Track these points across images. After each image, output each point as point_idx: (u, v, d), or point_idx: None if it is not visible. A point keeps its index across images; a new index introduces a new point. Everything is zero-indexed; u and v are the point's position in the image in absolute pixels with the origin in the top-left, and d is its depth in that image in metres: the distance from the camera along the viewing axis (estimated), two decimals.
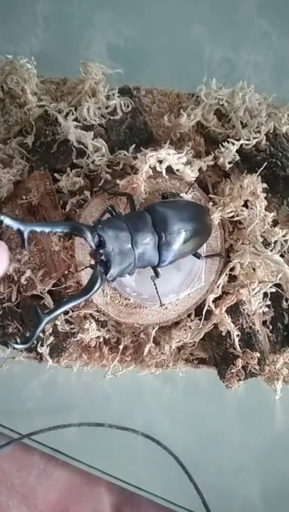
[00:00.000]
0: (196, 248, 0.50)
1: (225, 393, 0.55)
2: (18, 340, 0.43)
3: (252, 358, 0.52)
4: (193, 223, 0.48)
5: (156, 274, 0.49)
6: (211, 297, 0.52)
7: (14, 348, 0.50)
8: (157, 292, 0.50)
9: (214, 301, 0.53)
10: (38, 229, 0.41)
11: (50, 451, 0.65)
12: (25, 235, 0.40)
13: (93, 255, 0.44)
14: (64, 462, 0.66)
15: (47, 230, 0.41)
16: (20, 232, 0.40)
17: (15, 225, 0.39)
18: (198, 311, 0.54)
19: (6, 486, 0.68)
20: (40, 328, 0.42)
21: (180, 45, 0.60)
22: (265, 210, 0.52)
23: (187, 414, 0.61)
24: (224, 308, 0.52)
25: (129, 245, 0.44)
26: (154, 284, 0.50)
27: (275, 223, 0.54)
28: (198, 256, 0.50)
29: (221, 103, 0.55)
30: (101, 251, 0.43)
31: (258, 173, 0.51)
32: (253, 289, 0.53)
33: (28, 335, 0.42)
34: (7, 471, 0.68)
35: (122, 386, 0.59)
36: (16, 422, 0.63)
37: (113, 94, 0.54)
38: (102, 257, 0.43)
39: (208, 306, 0.52)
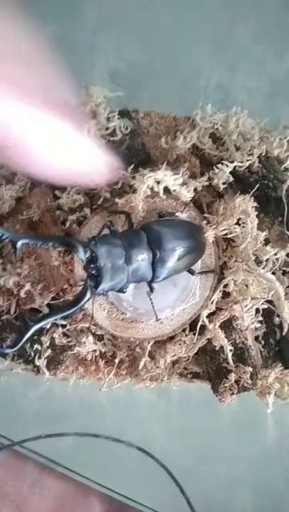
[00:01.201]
0: (190, 265, 0.50)
1: (218, 407, 0.55)
2: (4, 345, 0.44)
3: (244, 372, 0.53)
4: (188, 241, 0.48)
5: (151, 289, 0.49)
6: (205, 313, 0.52)
7: (1, 353, 0.50)
8: (153, 307, 0.51)
9: (208, 316, 0.53)
10: (31, 241, 0.43)
11: (44, 461, 0.64)
12: (18, 246, 0.42)
13: (85, 269, 0.45)
14: (57, 472, 0.65)
15: (39, 242, 0.44)
16: (13, 244, 0.42)
17: (6, 234, 0.41)
18: (193, 326, 0.54)
19: None
20: (28, 335, 0.43)
21: (178, 71, 0.61)
22: (258, 229, 0.52)
23: (181, 428, 0.60)
24: (218, 324, 0.53)
25: (122, 261, 0.45)
26: (150, 299, 0.50)
27: (266, 242, 0.55)
28: (192, 272, 0.51)
29: (215, 127, 0.56)
30: (92, 265, 0.44)
31: (250, 194, 0.52)
32: (246, 305, 0.53)
33: (14, 340, 0.43)
34: (0, 480, 0.67)
35: (118, 399, 0.58)
36: (10, 431, 0.62)
37: (113, 116, 0.55)
38: (93, 272, 0.44)
39: (203, 321, 0.52)
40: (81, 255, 0.44)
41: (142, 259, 0.46)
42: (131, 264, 0.45)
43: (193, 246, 0.49)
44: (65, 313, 0.44)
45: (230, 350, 0.53)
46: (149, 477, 0.62)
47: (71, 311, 0.44)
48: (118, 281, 0.45)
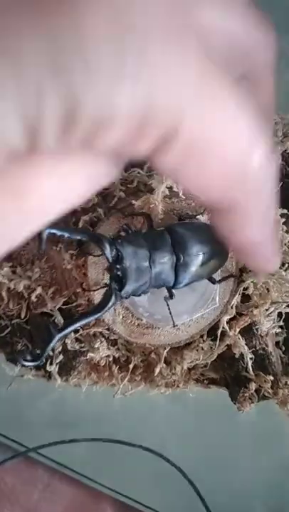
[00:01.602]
0: (212, 272, 0.47)
1: (236, 414, 0.52)
2: (28, 357, 0.40)
3: (265, 381, 0.50)
4: (212, 246, 0.45)
5: (171, 296, 0.46)
6: (226, 318, 0.50)
7: (23, 366, 0.47)
8: (170, 313, 0.48)
9: (228, 322, 0.50)
10: (58, 232, 0.39)
11: (56, 466, 0.63)
12: (44, 236, 0.38)
13: (109, 270, 0.42)
14: (69, 477, 0.64)
15: (66, 234, 0.40)
16: (39, 233, 0.38)
17: None
18: (211, 331, 0.52)
19: (9, 500, 0.65)
20: (52, 345, 0.40)
21: None
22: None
23: (197, 435, 0.58)
24: (238, 330, 0.50)
25: (147, 263, 0.42)
26: (168, 305, 0.47)
27: None
28: (213, 281, 0.48)
29: None
30: (118, 266, 0.41)
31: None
32: (267, 310, 0.51)
33: (38, 351, 0.40)
34: (11, 485, 0.66)
35: (132, 405, 0.56)
36: (22, 438, 0.60)
37: None
38: (118, 273, 0.41)
39: (223, 327, 0.49)
40: (107, 253, 0.40)
41: (165, 262, 0.43)
42: (154, 267, 0.42)
43: (217, 252, 0.46)
44: (89, 319, 0.41)
45: (251, 359, 0.50)
46: (164, 484, 0.60)
47: (96, 316, 0.41)
48: (141, 283, 0.42)
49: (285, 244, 0.50)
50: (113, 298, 0.40)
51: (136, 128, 0.11)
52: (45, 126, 0.10)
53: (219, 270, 0.49)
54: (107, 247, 0.40)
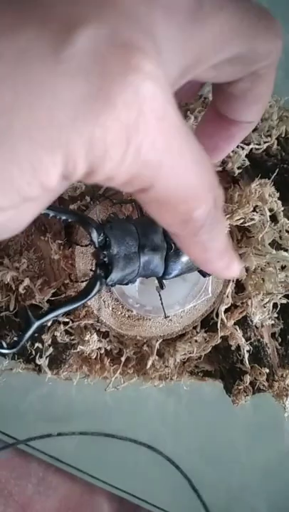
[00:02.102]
0: None
1: (231, 407, 0.50)
2: (4, 345, 0.38)
3: (260, 373, 0.48)
4: None
5: (161, 286, 0.44)
6: (223, 308, 0.48)
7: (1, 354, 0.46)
8: (162, 303, 0.46)
9: (225, 312, 0.48)
10: (43, 210, 0.37)
11: (50, 460, 0.61)
12: None
13: (95, 255, 0.40)
14: (63, 471, 0.63)
15: (51, 214, 0.37)
16: None
17: None
18: (204, 323, 0.50)
19: (2, 494, 0.64)
20: (30, 332, 0.38)
21: None
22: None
23: (191, 428, 0.57)
24: (232, 322, 0.48)
25: (136, 251, 0.40)
26: (159, 295, 0.45)
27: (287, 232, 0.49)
28: (204, 274, 0.46)
29: None
30: (105, 252, 0.39)
31: (270, 180, 0.47)
32: (262, 300, 0.49)
33: (15, 338, 0.38)
34: (4, 479, 0.64)
35: (124, 399, 0.55)
36: (14, 431, 0.59)
37: None
38: (105, 259, 0.39)
39: (221, 318, 0.47)
40: (94, 237, 0.38)
41: (155, 251, 0.40)
42: (143, 256, 0.40)
43: None
44: (73, 306, 0.39)
45: (248, 351, 0.48)
46: (158, 477, 0.59)
47: (79, 303, 0.39)
48: (128, 272, 0.40)
49: (287, 231, 0.48)
50: (98, 285, 0.38)
51: (126, 182, 0.18)
52: (73, 177, 0.17)
53: None
54: (95, 231, 0.38)
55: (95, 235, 0.38)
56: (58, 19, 0.15)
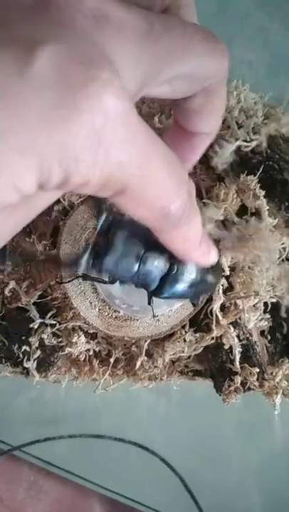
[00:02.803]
0: (197, 295, 0.43)
1: (222, 405, 0.50)
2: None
3: (251, 373, 0.47)
4: (207, 270, 0.42)
5: (149, 302, 0.42)
6: (216, 306, 0.47)
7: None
8: (151, 303, 0.44)
9: (211, 312, 0.47)
10: None
11: (41, 464, 0.60)
12: None
13: (96, 235, 0.37)
14: (55, 474, 0.62)
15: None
16: None
17: None
18: (193, 322, 0.49)
19: None
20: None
21: None
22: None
23: (183, 428, 0.56)
24: (226, 322, 0.47)
25: (138, 255, 0.37)
26: (149, 296, 0.44)
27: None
28: (194, 304, 0.44)
29: None
30: (107, 235, 0.36)
31: (256, 177, 0.46)
32: (254, 305, 0.48)
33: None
34: None
35: (114, 400, 0.54)
36: (2, 435, 0.58)
37: None
38: (102, 242, 0.36)
39: (216, 315, 0.46)
40: (100, 220, 0.36)
41: (156, 266, 0.38)
42: (144, 265, 0.37)
43: (208, 278, 0.42)
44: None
45: (239, 352, 0.47)
46: (150, 477, 0.58)
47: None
48: (122, 270, 0.37)
49: (270, 230, 0.47)
50: (84, 262, 0.36)
51: (102, 185, 0.19)
52: (50, 184, 0.18)
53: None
54: (104, 216, 0.36)
55: (102, 218, 0.36)
56: (19, 40, 0.17)
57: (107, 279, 0.40)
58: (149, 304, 0.41)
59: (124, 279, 0.39)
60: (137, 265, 0.37)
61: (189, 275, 0.39)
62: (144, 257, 0.37)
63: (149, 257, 0.38)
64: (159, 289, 0.39)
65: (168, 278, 0.39)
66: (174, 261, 0.38)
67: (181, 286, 0.39)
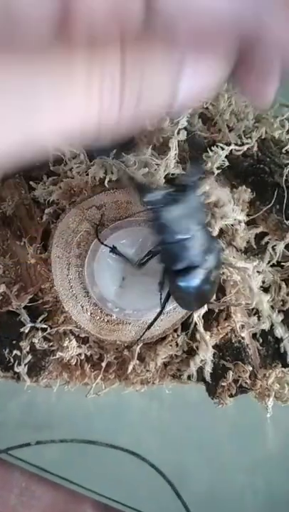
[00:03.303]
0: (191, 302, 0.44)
1: (213, 410, 0.49)
2: None
3: (244, 371, 0.47)
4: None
5: (162, 285, 0.42)
6: (196, 315, 0.47)
7: None
8: (161, 299, 0.44)
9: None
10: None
11: (33, 469, 0.60)
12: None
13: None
14: (47, 480, 0.61)
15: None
16: None
17: None
18: (185, 325, 0.49)
19: None
20: None
21: None
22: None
23: (175, 433, 0.55)
24: (215, 341, 0.48)
25: (196, 227, 0.37)
26: (160, 293, 0.43)
27: (264, 234, 0.49)
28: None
29: (205, 106, 0.50)
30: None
31: (248, 182, 0.46)
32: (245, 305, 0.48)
33: None
34: None
35: (106, 405, 0.53)
36: None
37: None
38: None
39: (195, 323, 0.46)
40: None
41: (197, 249, 0.38)
42: (193, 239, 0.38)
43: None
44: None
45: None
46: (144, 483, 0.58)
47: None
48: (180, 225, 0.37)
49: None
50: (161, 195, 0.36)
51: None
52: None
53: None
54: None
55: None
56: None
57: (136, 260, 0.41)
58: (161, 288, 0.42)
59: (167, 239, 0.37)
60: (190, 234, 0.37)
61: (202, 279, 0.40)
62: (198, 232, 0.37)
63: (201, 237, 0.38)
64: (180, 273, 0.39)
65: (194, 270, 0.39)
66: (206, 259, 0.39)
67: (194, 283, 0.39)
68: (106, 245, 0.42)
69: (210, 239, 0.39)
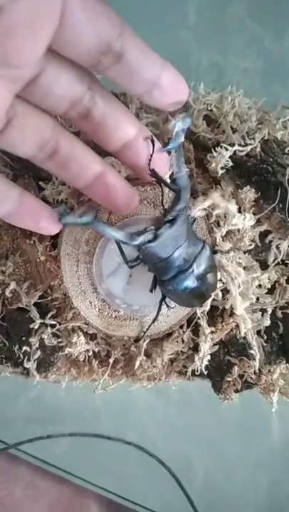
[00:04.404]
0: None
1: (219, 406, 0.50)
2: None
3: (248, 366, 0.48)
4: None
5: (152, 289, 0.44)
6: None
7: None
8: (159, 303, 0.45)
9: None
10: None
11: (38, 463, 0.60)
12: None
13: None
14: (52, 474, 0.61)
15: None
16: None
17: None
18: (190, 321, 0.49)
19: None
20: None
21: (167, 51, 0.55)
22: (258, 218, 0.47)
23: (181, 428, 0.56)
24: (223, 333, 0.48)
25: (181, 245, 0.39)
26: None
27: (267, 232, 0.50)
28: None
29: (209, 108, 0.51)
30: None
31: (253, 182, 0.47)
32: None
33: None
34: None
35: (113, 400, 0.54)
36: (3, 434, 0.57)
37: None
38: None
39: (197, 319, 0.47)
40: (178, 206, 0.37)
41: (184, 258, 0.40)
42: (179, 252, 0.39)
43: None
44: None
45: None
46: (148, 478, 0.58)
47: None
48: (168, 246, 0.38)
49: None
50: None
51: None
52: None
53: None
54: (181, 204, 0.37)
55: (179, 206, 0.37)
56: None
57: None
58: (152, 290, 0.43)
59: (153, 260, 0.39)
60: (176, 252, 0.38)
61: (195, 280, 0.41)
62: (183, 245, 0.38)
63: (186, 246, 0.39)
64: (171, 279, 0.40)
65: (183, 274, 0.40)
66: (194, 261, 0.40)
67: (185, 286, 0.40)
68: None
69: (195, 242, 0.40)
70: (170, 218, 0.37)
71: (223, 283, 0.47)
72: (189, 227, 0.40)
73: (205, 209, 0.46)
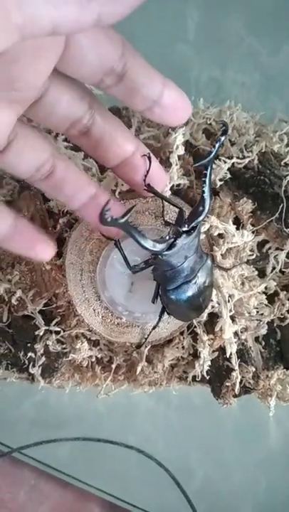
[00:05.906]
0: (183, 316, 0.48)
1: (218, 411, 0.51)
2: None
3: (247, 371, 0.50)
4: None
5: (153, 300, 0.46)
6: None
7: None
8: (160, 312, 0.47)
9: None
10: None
11: (42, 467, 0.61)
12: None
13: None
14: (55, 478, 0.63)
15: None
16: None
17: None
18: (189, 328, 0.51)
19: None
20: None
21: (167, 65, 0.57)
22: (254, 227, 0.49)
23: (181, 433, 0.57)
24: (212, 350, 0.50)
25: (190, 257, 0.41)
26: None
27: (264, 242, 0.51)
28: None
29: (208, 122, 0.53)
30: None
31: (249, 193, 0.49)
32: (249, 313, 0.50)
33: None
34: None
35: (115, 405, 0.55)
36: (6, 439, 0.59)
37: None
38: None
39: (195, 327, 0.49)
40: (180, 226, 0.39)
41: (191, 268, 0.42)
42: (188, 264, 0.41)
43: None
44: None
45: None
46: (150, 482, 0.59)
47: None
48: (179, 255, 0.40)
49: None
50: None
51: None
52: None
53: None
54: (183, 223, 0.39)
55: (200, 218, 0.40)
56: None
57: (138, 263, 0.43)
58: (153, 301, 0.45)
59: (163, 268, 0.41)
60: (185, 261, 0.41)
61: (196, 291, 0.43)
62: (192, 256, 0.41)
63: (193, 258, 0.41)
64: (175, 289, 0.42)
65: (186, 285, 0.42)
66: (198, 273, 0.42)
67: (185, 296, 0.42)
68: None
69: (201, 255, 0.43)
70: (187, 229, 0.39)
71: (218, 303, 0.49)
72: (199, 240, 0.42)
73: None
